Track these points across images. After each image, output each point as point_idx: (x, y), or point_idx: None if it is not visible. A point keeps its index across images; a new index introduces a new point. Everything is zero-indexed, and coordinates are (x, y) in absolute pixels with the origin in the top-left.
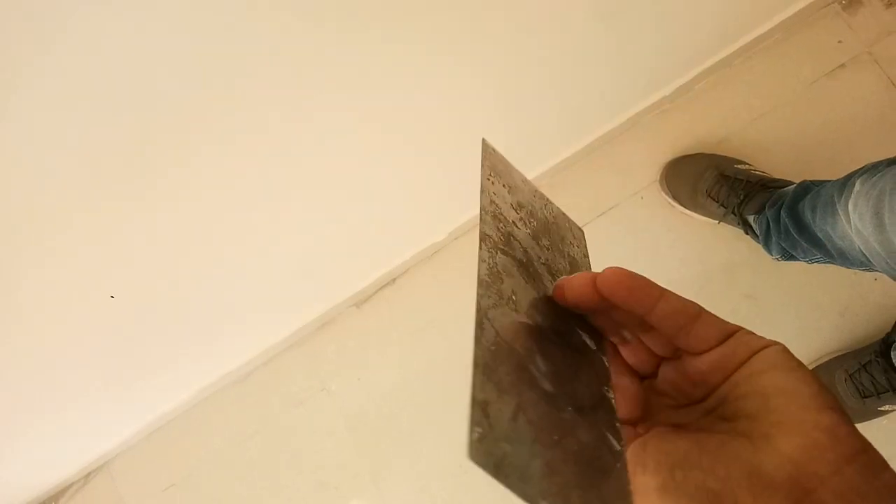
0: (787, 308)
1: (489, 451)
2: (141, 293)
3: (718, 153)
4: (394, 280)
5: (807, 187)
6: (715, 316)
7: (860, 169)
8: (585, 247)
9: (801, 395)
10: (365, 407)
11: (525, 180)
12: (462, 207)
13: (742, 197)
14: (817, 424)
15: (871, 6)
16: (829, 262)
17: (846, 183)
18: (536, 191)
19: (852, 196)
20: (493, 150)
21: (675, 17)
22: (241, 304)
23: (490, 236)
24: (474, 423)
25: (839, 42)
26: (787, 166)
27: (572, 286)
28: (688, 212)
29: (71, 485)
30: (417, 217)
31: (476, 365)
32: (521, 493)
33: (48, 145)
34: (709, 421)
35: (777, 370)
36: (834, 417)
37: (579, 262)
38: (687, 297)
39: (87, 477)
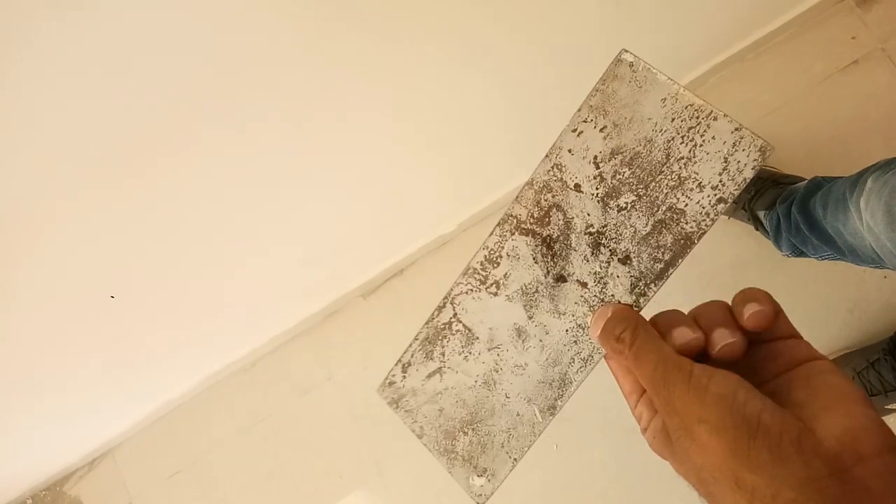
0: (795, 305)
1: (390, 394)
2: (148, 282)
3: None
4: (401, 271)
5: (818, 184)
6: (786, 317)
7: (872, 166)
8: (743, 180)
9: (850, 393)
10: (370, 396)
11: (671, 98)
12: (471, 200)
13: (753, 193)
14: (864, 414)
15: (885, 2)
16: (839, 259)
17: (858, 180)
18: (688, 107)
19: (864, 193)
20: (632, 64)
21: (687, 11)
22: (249, 293)
23: (516, 217)
24: (390, 373)
25: (853, 38)
26: (798, 162)
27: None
28: None
29: (76, 470)
30: (426, 208)
31: (416, 338)
32: (408, 425)
33: (49, 146)
34: None
35: (829, 374)
36: (877, 415)
37: (688, 214)
38: (694, 293)
39: (92, 463)
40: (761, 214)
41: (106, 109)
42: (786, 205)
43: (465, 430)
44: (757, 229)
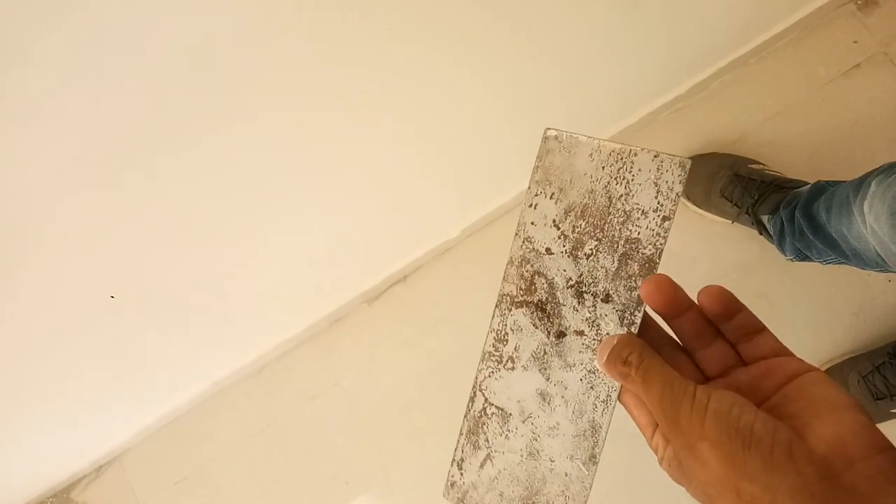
0: (800, 309)
1: (455, 495)
2: (154, 289)
3: (733, 153)
4: (405, 277)
5: (822, 187)
6: (774, 336)
7: (876, 169)
8: (676, 196)
9: (840, 401)
10: (376, 402)
11: (596, 151)
12: (475, 206)
13: (756, 197)
14: (854, 420)
15: (887, 6)
16: (843, 262)
17: (862, 183)
18: (612, 153)
19: (868, 196)
20: (557, 137)
21: (691, 15)
22: (255, 299)
23: (508, 295)
24: (450, 474)
25: (855, 42)
26: (801, 166)
27: (662, 293)
28: (701, 211)
29: (83, 477)
30: (429, 214)
31: (460, 433)
32: None
33: (50, 146)
34: None
35: (821, 385)
36: (867, 420)
37: (643, 241)
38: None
39: (99, 469)
40: (765, 219)
41: (106, 109)
42: (789, 209)
43: None
44: (760, 234)
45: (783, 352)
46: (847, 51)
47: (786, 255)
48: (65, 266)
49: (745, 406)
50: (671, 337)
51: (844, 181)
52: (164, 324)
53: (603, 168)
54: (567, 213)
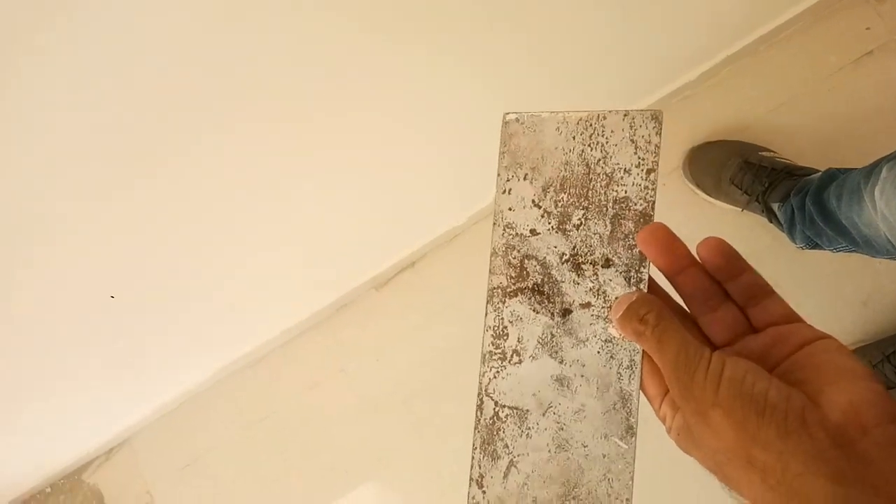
0: (809, 297)
1: None
2: (162, 277)
3: (743, 140)
4: (413, 264)
5: (832, 175)
6: (784, 300)
7: (887, 155)
8: (655, 147)
9: (854, 369)
10: (381, 390)
11: (562, 124)
12: (482, 192)
13: (766, 185)
14: (868, 388)
15: None
16: (853, 250)
17: (873, 170)
18: (580, 122)
19: (879, 182)
20: (517, 119)
21: (698, 3)
22: (261, 285)
23: (499, 287)
24: (470, 496)
25: (867, 29)
26: (812, 154)
27: (658, 240)
28: (710, 199)
29: (94, 459)
30: (437, 201)
31: (474, 447)
32: None
33: (52, 149)
34: None
35: (834, 353)
36: (881, 388)
37: (632, 198)
38: None
39: (109, 452)
40: (775, 206)
41: (108, 112)
42: (800, 196)
43: (567, 502)
44: (771, 221)
45: (794, 318)
46: (859, 38)
47: (796, 244)
48: (74, 256)
49: (760, 373)
50: (678, 304)
51: (855, 168)
52: (174, 311)
53: (574, 138)
54: (545, 190)
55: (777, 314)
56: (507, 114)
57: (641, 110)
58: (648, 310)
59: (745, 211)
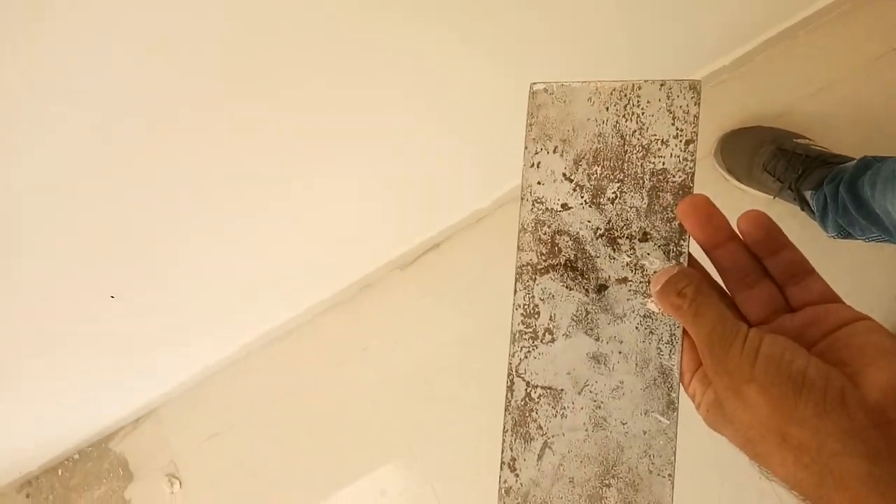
0: (839, 288)
1: (514, 501)
2: (192, 252)
3: (777, 127)
4: (437, 245)
5: (868, 163)
6: (823, 280)
7: None
8: (694, 117)
9: (893, 350)
10: (404, 369)
11: (594, 94)
12: (508, 174)
13: (800, 172)
14: None
15: None
16: (886, 240)
17: None
18: (613, 92)
19: None
20: (546, 89)
21: None
22: (288, 262)
23: (529, 264)
24: (501, 480)
25: None
26: (848, 142)
27: (698, 212)
28: (742, 186)
29: (121, 428)
30: (463, 183)
31: (504, 430)
32: None
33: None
34: None
35: (874, 333)
36: None
37: (670, 170)
38: None
39: (136, 422)
40: (808, 194)
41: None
42: (833, 185)
43: (607, 482)
44: (802, 209)
45: (833, 297)
46: None
47: (828, 233)
48: (108, 223)
49: (798, 351)
50: (716, 282)
51: (891, 157)
52: (200, 288)
53: (607, 109)
54: (577, 162)
55: (816, 293)
56: (535, 83)
57: (678, 80)
58: (687, 283)
59: (776, 199)
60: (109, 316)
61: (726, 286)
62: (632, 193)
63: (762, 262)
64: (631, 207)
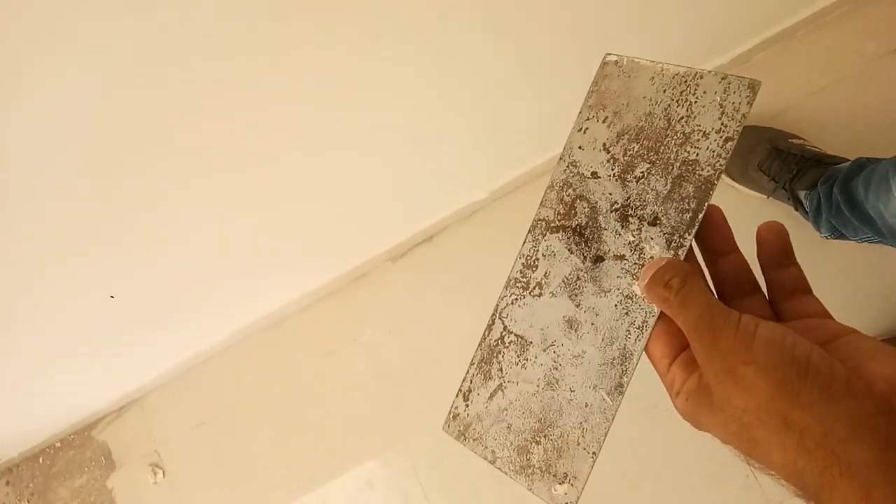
0: (831, 289)
1: (456, 427)
2: (182, 239)
3: (773, 126)
4: (430, 237)
5: (862, 164)
6: (820, 301)
7: None
8: (742, 116)
9: (892, 350)
10: (394, 359)
11: (658, 75)
12: (504, 168)
13: (795, 172)
14: None
15: None
16: (879, 241)
17: None
18: (675, 76)
19: None
20: (617, 62)
21: None
22: (279, 252)
23: (544, 220)
24: (453, 406)
25: None
26: (843, 144)
27: (718, 230)
28: (736, 185)
29: (105, 416)
30: (459, 175)
31: (471, 363)
32: (479, 454)
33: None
34: None
35: (870, 341)
36: None
37: (701, 162)
38: None
39: (120, 410)
40: (802, 194)
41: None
42: (827, 185)
43: (537, 439)
44: (796, 209)
45: (829, 316)
46: None
47: (821, 233)
48: (104, 220)
49: (799, 337)
50: (705, 278)
51: (885, 158)
52: (189, 272)
53: (664, 91)
54: (620, 136)
55: (812, 309)
56: (609, 54)
57: (741, 76)
58: (674, 274)
59: (770, 198)
60: (95, 302)
61: (719, 293)
62: (658, 177)
63: (768, 272)
64: (652, 190)
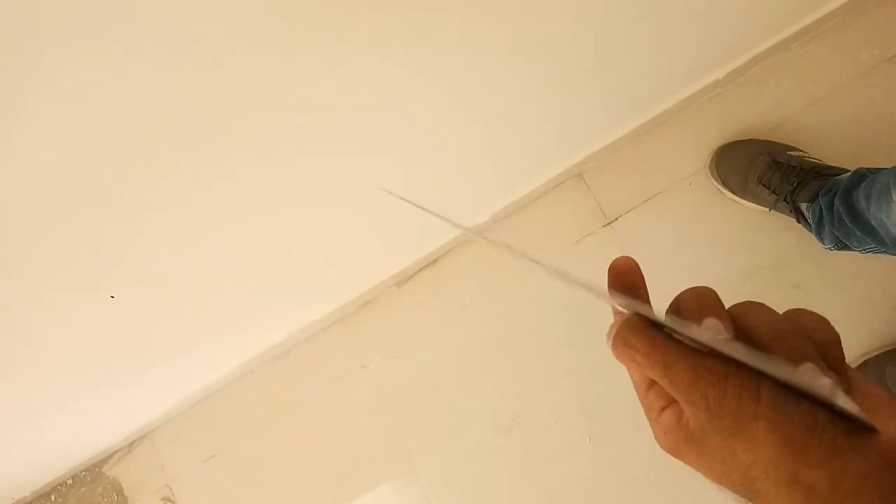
0: (836, 300)
1: None
2: (186, 271)
3: (772, 139)
4: (435, 261)
5: (862, 175)
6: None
7: None
8: None
9: (887, 398)
10: (403, 385)
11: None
12: (505, 192)
13: (795, 184)
14: None
15: None
16: (882, 251)
17: None
18: None
19: None
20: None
21: None
22: (284, 281)
23: None
24: None
25: None
26: (842, 154)
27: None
28: (737, 199)
29: (115, 452)
30: (461, 200)
31: None
32: None
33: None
34: None
35: (860, 381)
36: None
37: None
38: (734, 287)
39: (131, 445)
40: (804, 206)
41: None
42: (829, 196)
43: None
44: (799, 222)
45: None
46: (893, 35)
47: (824, 244)
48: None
49: (797, 395)
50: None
51: (886, 168)
52: (197, 304)
53: None
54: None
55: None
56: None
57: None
58: (633, 333)
59: (772, 211)
60: (104, 337)
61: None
62: None
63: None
64: None
